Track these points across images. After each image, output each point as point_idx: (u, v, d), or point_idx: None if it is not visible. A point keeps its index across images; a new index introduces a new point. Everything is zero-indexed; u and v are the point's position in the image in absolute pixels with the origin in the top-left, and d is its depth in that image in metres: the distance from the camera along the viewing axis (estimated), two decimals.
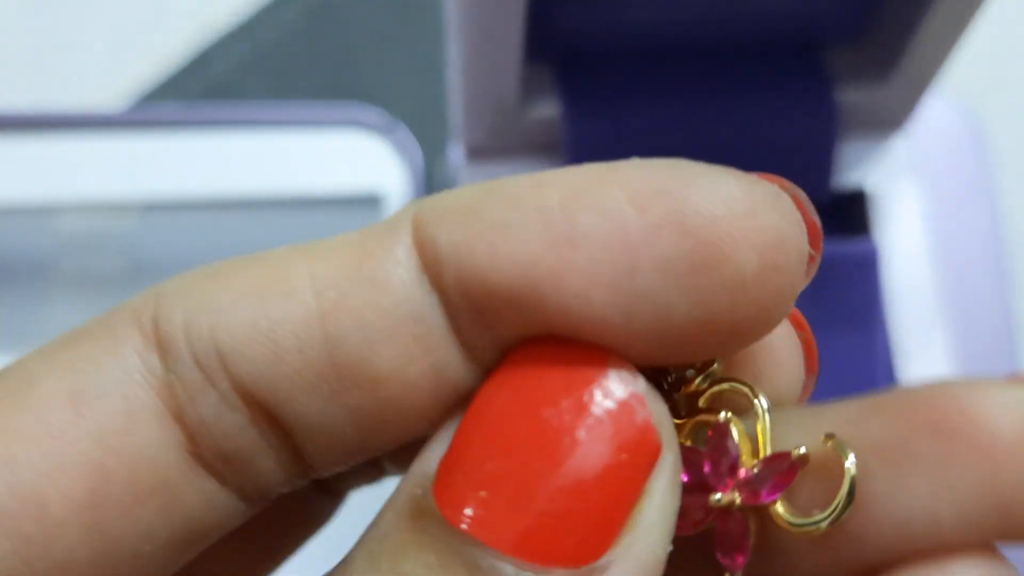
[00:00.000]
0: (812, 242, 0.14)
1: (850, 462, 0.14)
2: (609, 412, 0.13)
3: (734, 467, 0.15)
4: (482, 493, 0.13)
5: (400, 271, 0.14)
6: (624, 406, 0.14)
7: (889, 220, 0.37)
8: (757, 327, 0.14)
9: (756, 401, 0.15)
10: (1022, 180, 0.43)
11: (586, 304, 0.13)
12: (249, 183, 0.40)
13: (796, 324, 0.16)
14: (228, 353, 0.14)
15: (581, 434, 0.13)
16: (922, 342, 0.35)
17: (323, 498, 0.20)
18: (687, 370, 0.15)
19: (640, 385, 0.14)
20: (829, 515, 0.14)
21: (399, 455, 0.18)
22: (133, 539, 0.14)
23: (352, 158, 0.40)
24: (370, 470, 0.19)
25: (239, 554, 0.19)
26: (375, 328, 0.14)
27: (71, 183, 0.39)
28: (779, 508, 0.14)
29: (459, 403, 0.14)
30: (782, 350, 0.15)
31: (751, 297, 0.13)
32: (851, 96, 0.35)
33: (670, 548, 0.14)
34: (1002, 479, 0.13)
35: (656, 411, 0.14)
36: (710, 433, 0.15)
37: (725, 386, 0.15)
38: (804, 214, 0.14)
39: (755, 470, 0.14)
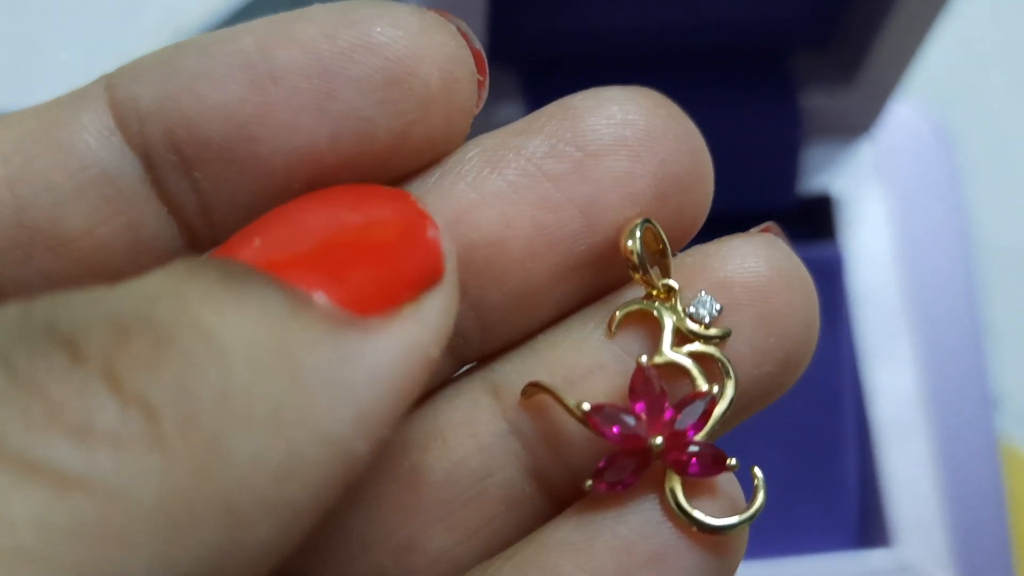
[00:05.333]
0: (478, 67, 0.15)
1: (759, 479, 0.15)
2: (402, 210, 0.14)
3: (661, 410, 0.15)
4: (256, 240, 0.13)
5: (86, 136, 0.14)
6: (420, 216, 0.14)
7: (855, 225, 0.37)
8: (447, 140, 0.15)
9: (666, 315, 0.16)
10: (987, 185, 0.43)
11: (294, 133, 0.14)
12: None
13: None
14: None
15: (372, 212, 0.14)
16: (888, 347, 0.35)
17: None
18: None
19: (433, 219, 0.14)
20: (746, 519, 0.15)
21: None
22: None
23: None
24: None
25: None
26: (62, 190, 0.14)
27: None
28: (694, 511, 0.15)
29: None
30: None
31: (439, 109, 0.15)
32: (816, 101, 0.35)
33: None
34: None
35: (446, 246, 0.14)
36: (634, 380, 0.15)
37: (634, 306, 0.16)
38: (468, 42, 0.15)
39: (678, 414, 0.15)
